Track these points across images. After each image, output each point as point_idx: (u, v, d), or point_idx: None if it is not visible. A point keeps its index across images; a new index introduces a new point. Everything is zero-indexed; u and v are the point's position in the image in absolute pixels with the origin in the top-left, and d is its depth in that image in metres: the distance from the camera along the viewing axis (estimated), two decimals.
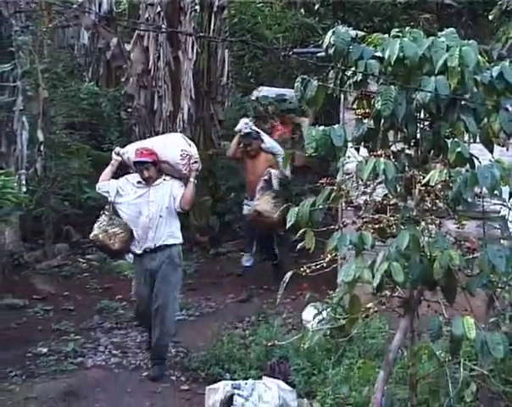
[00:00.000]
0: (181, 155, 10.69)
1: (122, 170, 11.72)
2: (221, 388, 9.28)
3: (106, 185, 10.91)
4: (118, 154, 11.03)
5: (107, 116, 20.39)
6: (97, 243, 10.96)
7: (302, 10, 23.42)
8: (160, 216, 10.65)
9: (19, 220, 15.86)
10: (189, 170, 10.81)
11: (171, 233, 10.82)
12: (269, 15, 23.25)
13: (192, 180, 10.79)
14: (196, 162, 10.81)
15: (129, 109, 19.47)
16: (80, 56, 20.72)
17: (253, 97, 19.79)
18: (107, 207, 11.01)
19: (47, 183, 17.40)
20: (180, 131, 18.14)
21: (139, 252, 10.83)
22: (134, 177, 10.91)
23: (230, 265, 17.07)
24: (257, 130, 15.09)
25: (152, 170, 10.63)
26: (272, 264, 15.51)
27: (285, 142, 17.20)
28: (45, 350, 12.11)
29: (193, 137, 18.36)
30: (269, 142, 15.06)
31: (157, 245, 10.67)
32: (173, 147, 10.85)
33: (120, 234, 10.60)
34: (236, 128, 14.88)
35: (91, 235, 10.90)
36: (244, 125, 14.85)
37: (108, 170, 11.06)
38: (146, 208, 10.71)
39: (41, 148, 16.26)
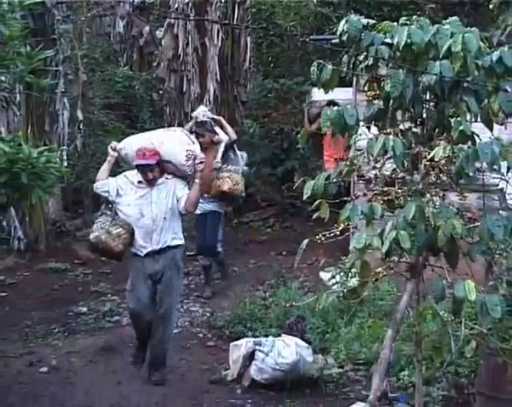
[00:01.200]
0: (187, 156, 9.17)
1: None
2: (244, 345, 9.30)
3: (105, 184, 9.31)
4: (114, 150, 9.44)
5: (140, 98, 20.44)
6: (100, 246, 9.04)
7: (316, 0, 23.33)
8: (164, 218, 9.21)
9: (61, 192, 15.87)
10: (194, 170, 9.33)
11: (175, 234, 9.39)
12: (287, 5, 23.12)
13: (197, 181, 9.34)
14: (201, 162, 9.31)
15: (160, 91, 19.48)
16: (116, 43, 20.69)
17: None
18: (103, 206, 9.49)
19: (86, 158, 17.45)
20: (208, 111, 18.20)
21: (141, 254, 9.27)
22: (133, 175, 9.32)
23: (252, 233, 17.07)
24: (214, 117, 13.02)
25: (156, 170, 9.13)
26: (215, 260, 13.33)
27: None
28: (85, 309, 12.18)
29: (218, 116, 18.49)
30: (220, 134, 12.64)
31: (161, 247, 9.25)
32: (177, 146, 9.24)
33: (123, 235, 9.03)
34: (193, 113, 12.74)
35: (92, 236, 9.09)
36: (202, 112, 12.66)
37: (105, 168, 9.45)
38: (148, 209, 9.19)
39: (81, 127, 16.29)
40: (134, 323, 9.63)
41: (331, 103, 13.92)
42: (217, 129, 12.59)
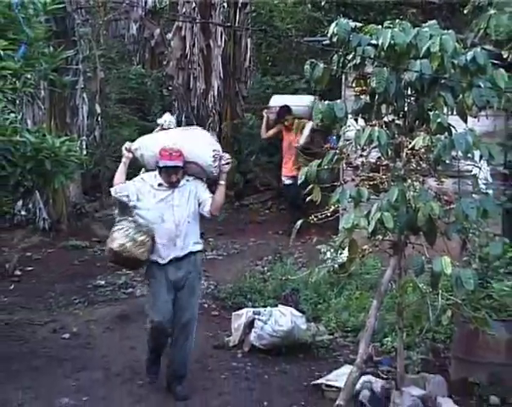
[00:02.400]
0: (214, 156, 7.71)
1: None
2: (244, 314, 9.31)
3: (124, 188, 7.78)
4: (129, 151, 7.92)
5: (151, 93, 20.43)
6: (124, 254, 7.50)
7: (310, 5, 23.35)
8: (188, 222, 7.72)
9: (80, 177, 15.88)
10: (219, 171, 7.82)
11: (196, 239, 7.90)
12: (283, 10, 23.11)
13: (222, 182, 7.85)
14: (228, 163, 7.87)
15: (169, 87, 19.50)
16: (130, 44, 20.67)
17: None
18: (116, 211, 8.13)
19: (103, 147, 17.42)
20: (212, 106, 18.21)
21: (163, 261, 7.71)
22: (151, 178, 7.74)
23: (252, 215, 17.07)
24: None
25: (180, 172, 7.67)
26: None
27: None
28: (102, 282, 12.18)
29: (221, 110, 18.57)
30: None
31: (185, 253, 7.76)
32: (203, 146, 7.77)
33: (148, 242, 7.56)
34: (159, 119, 9.37)
35: (116, 244, 7.49)
36: (168, 120, 9.37)
37: (121, 170, 7.95)
38: (170, 213, 7.67)
39: (99, 119, 16.31)
40: (155, 337, 7.94)
41: (285, 107, 14.25)
42: None
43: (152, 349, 8.08)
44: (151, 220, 7.63)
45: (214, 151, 7.71)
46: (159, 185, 7.66)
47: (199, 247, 7.94)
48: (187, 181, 7.74)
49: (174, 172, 7.58)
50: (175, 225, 7.64)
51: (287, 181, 14.70)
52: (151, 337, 7.97)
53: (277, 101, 15.37)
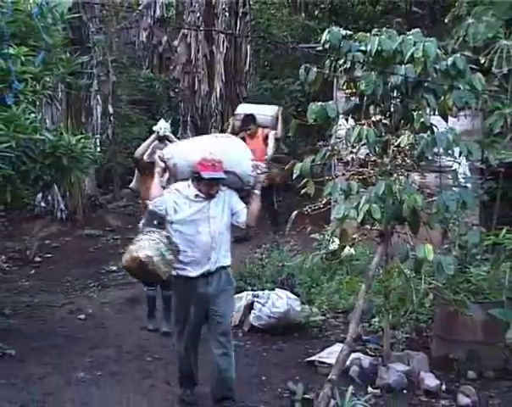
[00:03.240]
0: (253, 166, 6.76)
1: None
2: (244, 297, 9.32)
3: (162, 201, 6.69)
4: (162, 160, 6.83)
5: (159, 95, 20.40)
6: (148, 267, 6.35)
7: (304, 15, 23.36)
8: (221, 233, 6.70)
9: (94, 172, 15.87)
10: (255, 181, 6.83)
11: (227, 251, 6.83)
12: (280, 19, 23.11)
13: (257, 192, 6.85)
14: (264, 172, 6.96)
15: (176, 90, 19.43)
16: (140, 50, 20.59)
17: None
18: (143, 221, 7.40)
19: (115, 144, 17.42)
20: (215, 107, 18.20)
21: (193, 275, 6.64)
22: (186, 188, 6.66)
23: None
24: (172, 139, 9.05)
25: (220, 183, 6.68)
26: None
27: None
28: (114, 268, 12.17)
29: (223, 111, 18.55)
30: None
31: (217, 267, 6.72)
32: (241, 155, 6.80)
33: (173, 264, 6.51)
34: (155, 127, 9.14)
35: (143, 254, 6.32)
36: (163, 127, 9.12)
37: (156, 182, 6.83)
38: (205, 225, 6.61)
39: (111, 119, 16.29)
40: (185, 358, 6.95)
41: (249, 115, 13.38)
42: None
43: (183, 371, 7.04)
44: (187, 232, 6.59)
45: (252, 160, 6.80)
46: (196, 196, 6.60)
47: (229, 260, 6.84)
48: (221, 191, 6.70)
49: (216, 183, 6.60)
50: (211, 237, 6.60)
51: None
52: (180, 359, 6.98)
53: (244, 109, 14.43)
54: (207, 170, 6.50)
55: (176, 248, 6.47)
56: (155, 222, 6.75)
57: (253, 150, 12.49)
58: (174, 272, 6.60)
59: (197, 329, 6.82)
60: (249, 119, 13.35)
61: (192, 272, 6.62)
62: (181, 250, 6.52)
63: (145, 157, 8.84)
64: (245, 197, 6.91)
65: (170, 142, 8.64)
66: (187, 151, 6.81)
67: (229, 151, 6.71)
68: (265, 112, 13.83)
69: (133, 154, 9.61)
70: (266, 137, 13.54)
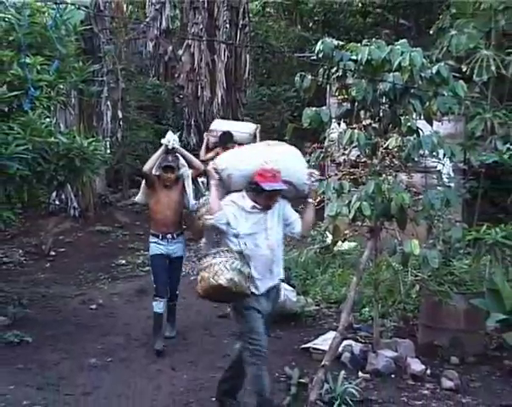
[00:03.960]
0: (308, 175, 6.00)
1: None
2: None
3: (223, 215, 5.76)
4: (216, 171, 5.95)
5: (165, 101, 20.41)
6: (234, 289, 5.56)
7: (299, 27, 23.40)
8: (279, 245, 5.94)
9: (105, 172, 15.92)
10: (309, 189, 6.07)
11: (281, 264, 6.09)
12: (277, 30, 23.14)
13: (311, 201, 6.13)
14: (318, 180, 6.21)
15: (180, 96, 19.46)
16: (147, 59, 20.58)
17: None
18: (204, 240, 6.29)
19: (124, 147, 17.42)
20: (217, 112, 18.21)
21: (258, 292, 5.79)
22: (241, 200, 5.83)
23: None
24: (180, 151, 8.16)
25: (279, 194, 5.88)
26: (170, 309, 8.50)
27: None
28: (123, 261, 12.20)
29: (225, 115, 18.54)
30: (184, 168, 8.22)
31: (278, 280, 6.01)
32: (297, 163, 6.02)
33: (250, 275, 5.69)
34: (163, 140, 8.09)
35: (224, 280, 5.49)
36: (172, 139, 8.07)
37: (214, 195, 5.92)
38: (263, 237, 5.79)
39: (120, 123, 16.29)
40: (259, 376, 5.96)
41: (227, 133, 11.77)
42: (181, 160, 8.25)
43: (232, 387, 6.30)
44: (246, 246, 5.75)
45: (308, 168, 6.12)
46: (253, 207, 5.79)
47: (282, 272, 6.09)
48: (276, 201, 5.91)
49: (276, 194, 5.80)
50: (270, 250, 5.82)
51: None
52: (256, 379, 5.95)
53: (219, 125, 12.70)
54: (267, 181, 5.69)
55: (248, 260, 5.69)
56: (215, 238, 5.99)
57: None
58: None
59: (265, 345, 5.91)
60: (227, 136, 11.84)
61: (258, 289, 5.78)
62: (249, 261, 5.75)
63: (153, 171, 8.03)
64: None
65: (179, 154, 8.08)
66: (242, 161, 5.92)
67: (284, 159, 5.91)
68: (242, 129, 12.33)
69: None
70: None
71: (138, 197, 8.57)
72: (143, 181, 8.31)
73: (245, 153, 6.13)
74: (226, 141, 11.61)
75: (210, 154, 11.39)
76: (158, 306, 8.00)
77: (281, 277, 6.04)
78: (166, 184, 8.00)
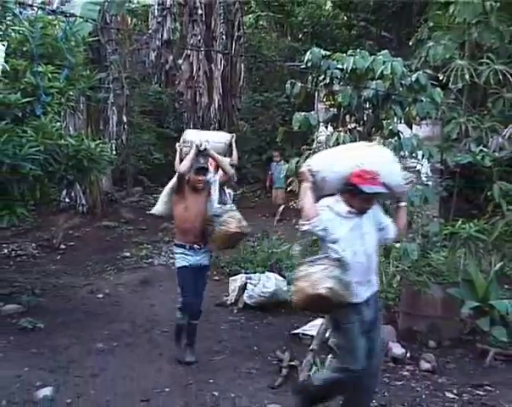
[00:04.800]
0: (406, 178, 5.36)
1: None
2: (239, 279, 9.33)
3: (319, 221, 4.95)
4: (311, 173, 5.12)
5: (166, 106, 20.43)
6: (333, 299, 4.73)
7: (290, 38, 23.45)
8: (375, 251, 5.15)
9: (111, 172, 15.91)
10: (402, 192, 5.35)
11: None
12: (269, 41, 23.16)
13: (404, 204, 5.35)
14: (409, 182, 5.56)
15: (180, 102, 19.45)
16: (149, 68, 20.54)
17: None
18: (298, 248, 5.79)
19: (128, 148, 17.41)
20: (214, 116, 18.21)
21: (358, 301, 4.96)
22: (336, 204, 5.01)
23: (245, 201, 16.85)
24: (211, 154, 7.09)
25: (377, 198, 5.16)
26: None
27: None
28: (128, 254, 12.18)
29: (221, 119, 18.58)
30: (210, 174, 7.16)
31: (376, 289, 5.19)
32: (394, 165, 5.24)
33: (351, 283, 4.87)
34: (196, 141, 7.08)
35: (323, 289, 4.69)
36: (204, 141, 7.13)
37: (309, 200, 5.03)
38: (360, 243, 4.99)
39: (125, 127, 16.28)
40: (361, 392, 5.19)
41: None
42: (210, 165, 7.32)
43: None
44: (343, 254, 4.94)
45: (403, 169, 5.45)
46: (348, 212, 5.00)
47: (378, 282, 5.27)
48: None
49: (374, 198, 5.05)
50: (367, 256, 5.04)
51: None
52: (338, 386, 5.21)
53: (193, 135, 9.94)
54: (367, 184, 4.89)
55: (347, 267, 4.86)
56: (308, 245, 5.23)
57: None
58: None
59: (364, 361, 5.02)
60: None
61: (356, 298, 4.95)
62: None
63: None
64: None
65: (209, 156, 7.07)
66: (337, 163, 5.12)
67: (383, 161, 5.16)
68: (217, 139, 9.58)
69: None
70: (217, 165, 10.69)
71: (157, 209, 7.27)
72: (166, 189, 7.16)
73: (340, 154, 5.32)
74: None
75: None
76: (183, 319, 7.03)
77: (378, 286, 5.21)
78: (197, 187, 6.87)
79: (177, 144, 10.44)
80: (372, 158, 5.10)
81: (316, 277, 4.76)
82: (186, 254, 6.87)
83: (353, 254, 4.93)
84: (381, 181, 4.93)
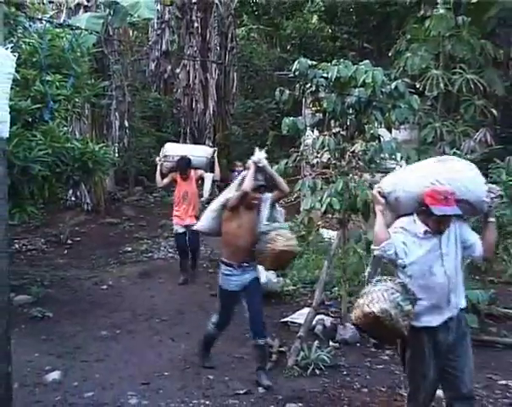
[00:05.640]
0: (487, 191, 4.51)
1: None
2: None
3: (390, 245, 4.43)
4: (382, 195, 4.63)
5: (164, 112, 20.41)
6: (385, 322, 4.20)
7: (279, 49, 23.47)
8: (457, 271, 4.55)
9: (113, 173, 15.90)
10: (489, 207, 4.55)
11: (463, 291, 4.68)
12: (260, 52, 23.18)
13: (493, 219, 4.60)
14: (497, 196, 4.61)
15: (177, 108, 19.46)
16: (149, 76, 20.56)
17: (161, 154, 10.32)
18: (368, 269, 4.79)
19: (130, 151, 17.40)
20: (209, 121, 18.23)
21: (433, 325, 4.47)
22: (411, 224, 4.49)
23: None
24: (268, 171, 6.18)
25: (453, 218, 4.47)
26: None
27: None
28: (129, 249, 12.15)
29: (216, 124, 18.59)
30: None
31: (458, 311, 4.57)
32: (475, 181, 4.51)
33: (412, 315, 4.32)
34: (255, 158, 6.09)
35: (378, 309, 4.21)
36: (262, 158, 6.13)
37: (381, 223, 4.54)
38: (439, 264, 4.45)
39: (127, 131, 16.29)
40: None
41: (184, 158, 9.72)
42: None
43: None
44: (419, 275, 4.44)
45: (486, 184, 4.61)
46: (425, 232, 4.45)
47: (464, 301, 4.68)
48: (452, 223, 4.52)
49: (448, 219, 4.43)
50: (447, 277, 4.47)
51: (180, 230, 9.96)
52: None
53: (173, 149, 10.35)
54: (438, 205, 4.35)
55: (414, 297, 4.35)
56: (379, 269, 4.71)
57: (186, 192, 9.85)
58: (413, 325, 4.38)
59: (434, 388, 4.62)
60: (185, 162, 9.78)
61: (433, 322, 4.48)
62: (417, 298, 4.39)
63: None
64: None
65: (265, 172, 6.14)
66: (411, 181, 4.56)
67: (459, 177, 4.49)
68: (199, 153, 10.26)
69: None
70: (199, 179, 10.21)
71: (203, 225, 6.43)
72: (215, 205, 6.33)
73: (414, 173, 4.67)
74: (185, 167, 9.81)
75: (167, 180, 9.98)
76: (214, 331, 6.47)
77: (462, 307, 4.62)
78: (252, 204, 6.08)
79: (157, 158, 10.20)
80: (449, 174, 4.49)
81: (374, 296, 4.31)
82: (232, 275, 6.13)
83: (430, 275, 4.44)
84: (456, 200, 4.36)
